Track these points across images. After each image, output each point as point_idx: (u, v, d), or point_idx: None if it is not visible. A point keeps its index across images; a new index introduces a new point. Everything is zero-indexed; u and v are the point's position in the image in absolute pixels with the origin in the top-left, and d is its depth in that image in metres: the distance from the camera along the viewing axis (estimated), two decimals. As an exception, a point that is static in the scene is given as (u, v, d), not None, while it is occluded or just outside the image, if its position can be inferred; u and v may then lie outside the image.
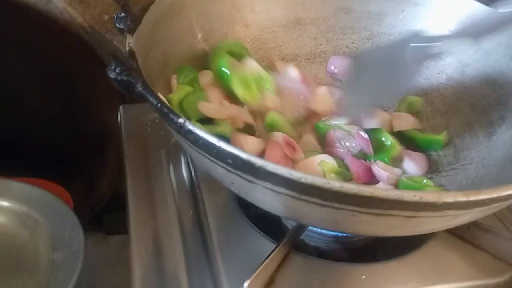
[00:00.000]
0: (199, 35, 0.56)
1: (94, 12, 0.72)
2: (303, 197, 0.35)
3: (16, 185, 0.62)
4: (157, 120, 0.66)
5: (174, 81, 0.52)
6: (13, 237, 0.59)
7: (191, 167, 0.60)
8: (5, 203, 0.61)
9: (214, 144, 0.35)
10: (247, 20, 0.61)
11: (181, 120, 0.36)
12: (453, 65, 0.61)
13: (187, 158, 0.62)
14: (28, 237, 0.59)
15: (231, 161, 0.35)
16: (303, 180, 0.33)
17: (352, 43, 0.66)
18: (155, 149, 0.62)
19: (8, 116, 0.78)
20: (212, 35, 0.58)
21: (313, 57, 0.66)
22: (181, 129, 0.36)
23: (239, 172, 0.36)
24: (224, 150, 0.35)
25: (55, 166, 0.77)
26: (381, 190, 0.33)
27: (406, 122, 0.61)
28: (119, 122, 0.67)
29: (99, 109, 0.81)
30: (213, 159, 0.37)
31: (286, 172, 0.33)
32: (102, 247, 0.81)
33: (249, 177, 0.36)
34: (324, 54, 0.66)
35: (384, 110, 0.63)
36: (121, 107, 0.68)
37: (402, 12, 0.64)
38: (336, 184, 0.33)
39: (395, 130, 0.60)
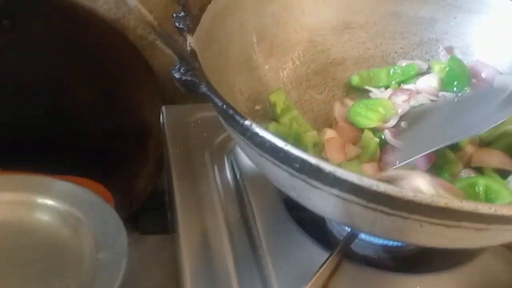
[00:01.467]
0: (253, 36, 0.56)
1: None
2: (371, 205, 0.35)
3: (58, 184, 0.62)
4: (200, 122, 0.66)
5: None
6: (56, 235, 0.59)
7: (236, 169, 0.60)
8: (48, 202, 0.61)
9: (281, 148, 0.34)
10: (297, 22, 0.61)
11: (247, 122, 0.36)
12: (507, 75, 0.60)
13: (231, 160, 0.61)
14: (71, 236, 0.59)
15: (298, 165, 0.34)
16: (374, 187, 0.32)
17: (401, 48, 0.65)
18: (199, 151, 0.62)
19: (51, 112, 0.79)
20: (265, 36, 0.58)
21: (361, 61, 0.65)
22: (246, 131, 0.36)
23: (304, 177, 0.35)
24: (292, 154, 0.34)
25: (94, 162, 0.78)
26: (456, 201, 0.32)
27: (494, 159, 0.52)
28: (162, 123, 0.67)
29: (140, 107, 0.82)
30: (278, 162, 0.36)
31: (357, 179, 0.33)
32: (137, 247, 0.81)
33: (315, 182, 0.35)
34: (372, 59, 0.65)
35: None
36: (163, 107, 0.68)
37: (455, 18, 0.63)
38: (409, 194, 0.32)
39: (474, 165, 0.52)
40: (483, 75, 0.61)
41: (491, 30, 0.61)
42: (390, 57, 0.65)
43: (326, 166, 0.33)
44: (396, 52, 0.65)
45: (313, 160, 0.33)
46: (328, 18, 0.63)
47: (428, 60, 0.65)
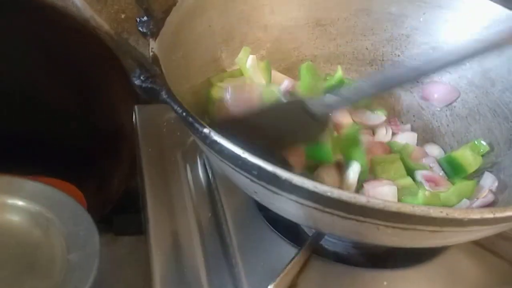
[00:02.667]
0: (222, 37, 0.56)
1: (111, 10, 0.71)
2: (327, 209, 0.35)
3: (29, 184, 0.61)
4: (172, 121, 0.66)
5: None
6: (27, 236, 0.59)
7: (208, 169, 0.60)
8: (19, 202, 0.60)
9: (239, 156, 0.35)
10: (266, 21, 0.61)
11: (206, 130, 0.36)
12: (474, 69, 0.60)
13: (204, 159, 0.61)
14: (42, 236, 0.58)
15: (256, 173, 0.35)
16: (328, 194, 0.33)
17: (371, 44, 0.65)
18: (171, 150, 0.62)
19: (21, 112, 0.78)
20: (233, 37, 0.57)
21: (332, 58, 0.65)
22: (206, 139, 0.36)
23: (263, 183, 0.36)
24: (249, 161, 0.35)
25: (67, 164, 0.77)
26: (408, 206, 0.33)
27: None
28: (134, 123, 0.67)
29: (113, 107, 0.81)
30: (237, 169, 0.36)
31: (312, 186, 0.33)
32: (111, 248, 0.81)
33: (274, 189, 0.36)
34: (344, 55, 0.65)
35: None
36: (136, 107, 0.68)
37: (424, 14, 0.63)
38: (362, 199, 0.33)
39: None
40: (436, 95, 0.62)
41: (459, 26, 0.61)
42: (360, 54, 0.65)
43: (282, 174, 0.34)
44: (367, 49, 0.65)
45: (269, 167, 0.34)
46: (298, 16, 0.63)
47: (398, 55, 0.65)
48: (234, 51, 0.58)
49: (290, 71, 0.62)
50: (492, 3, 0.59)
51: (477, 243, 0.52)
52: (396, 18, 0.64)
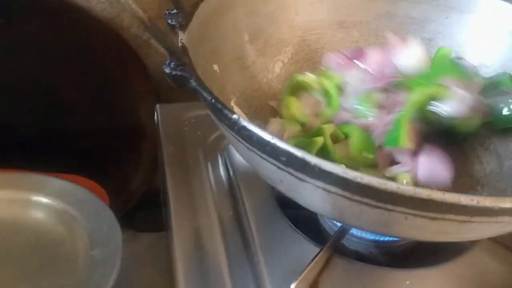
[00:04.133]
0: (246, 36, 0.57)
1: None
2: (356, 197, 0.35)
3: (53, 182, 0.62)
4: (193, 120, 0.67)
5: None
6: (51, 233, 0.59)
7: (229, 167, 0.60)
8: (43, 199, 0.61)
9: (268, 141, 0.35)
10: (291, 22, 0.61)
11: (235, 116, 0.36)
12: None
13: (225, 158, 0.62)
14: (65, 233, 0.59)
15: (284, 158, 0.35)
16: (358, 180, 0.33)
17: (394, 47, 0.65)
18: (193, 148, 0.63)
19: (45, 110, 0.79)
20: (258, 35, 0.58)
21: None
22: (234, 125, 0.36)
23: (291, 170, 0.36)
24: (279, 147, 0.35)
25: (89, 161, 0.78)
26: (439, 193, 0.32)
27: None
28: (156, 121, 0.68)
29: (134, 105, 0.82)
30: (265, 156, 0.37)
31: (341, 172, 0.33)
32: (132, 244, 0.81)
33: (301, 175, 0.36)
34: (366, 58, 0.65)
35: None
36: (157, 106, 0.69)
37: (446, 18, 0.63)
38: (393, 185, 0.32)
39: None
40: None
41: (481, 30, 0.61)
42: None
43: (312, 159, 0.34)
44: (389, 51, 0.65)
45: (298, 153, 0.34)
46: (322, 18, 0.63)
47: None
48: (258, 50, 0.58)
49: (313, 72, 0.63)
50: (516, 7, 0.59)
51: (500, 243, 0.51)
52: (418, 22, 0.64)
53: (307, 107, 0.56)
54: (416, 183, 0.50)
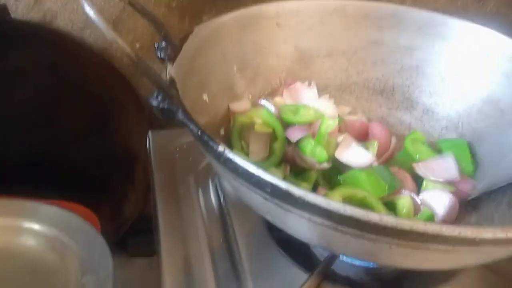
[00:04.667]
0: (235, 66, 0.57)
1: (126, 40, 0.74)
2: (340, 227, 0.36)
3: (44, 208, 0.62)
4: (185, 147, 0.68)
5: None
6: (42, 260, 0.59)
7: (220, 193, 0.61)
8: (34, 226, 0.61)
9: (253, 173, 0.36)
10: (279, 51, 0.62)
11: (220, 148, 0.37)
12: (483, 100, 0.61)
13: (216, 184, 0.62)
14: (57, 260, 0.59)
15: (269, 190, 0.36)
16: (342, 211, 0.33)
17: (382, 75, 0.66)
18: (183, 175, 0.63)
19: (37, 137, 0.80)
20: (246, 66, 0.59)
21: (343, 88, 0.66)
22: (220, 156, 0.37)
23: (276, 201, 0.37)
24: (263, 179, 0.35)
25: (82, 188, 0.78)
26: (421, 223, 0.33)
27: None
28: (148, 148, 0.68)
29: (127, 133, 0.83)
30: (251, 187, 0.37)
31: (325, 203, 0.34)
32: (126, 269, 0.81)
33: (287, 206, 0.36)
34: (355, 85, 0.66)
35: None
36: (150, 132, 0.69)
37: (433, 46, 0.64)
38: (375, 217, 0.33)
39: None
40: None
41: (466, 57, 0.62)
42: (371, 83, 0.67)
43: (296, 191, 0.34)
44: (378, 79, 0.66)
45: (283, 184, 0.35)
46: (310, 46, 0.64)
47: (409, 86, 0.66)
48: (248, 80, 0.59)
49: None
50: (500, 35, 0.61)
51: (489, 268, 0.52)
52: (405, 50, 0.65)
53: (258, 144, 0.56)
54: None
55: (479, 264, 0.44)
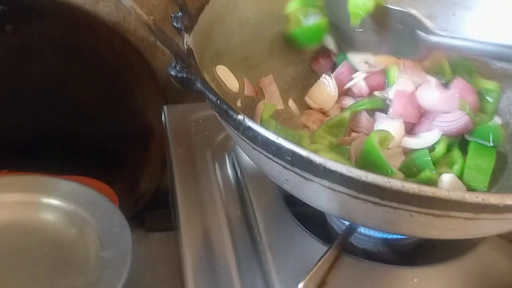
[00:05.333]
0: (251, 35, 0.57)
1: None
2: (361, 195, 0.35)
3: (63, 184, 0.63)
4: (201, 121, 0.67)
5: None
6: (62, 235, 0.60)
7: (237, 167, 0.61)
8: (53, 201, 0.62)
9: (273, 141, 0.35)
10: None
11: (240, 117, 0.37)
12: (504, 70, 0.60)
13: (232, 158, 0.62)
14: (76, 235, 0.60)
15: (289, 158, 0.35)
16: (363, 178, 0.33)
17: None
18: (200, 149, 0.63)
19: (53, 113, 0.80)
20: (262, 36, 0.58)
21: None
22: (240, 125, 0.37)
23: (296, 169, 0.36)
24: (283, 146, 0.35)
25: (99, 163, 0.79)
26: (443, 190, 0.33)
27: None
28: (164, 122, 0.68)
29: (142, 107, 0.83)
30: (270, 156, 0.37)
31: (346, 170, 0.33)
32: (143, 245, 0.82)
33: (307, 174, 0.36)
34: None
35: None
36: (165, 107, 0.69)
37: (453, 15, 0.63)
38: (397, 183, 0.33)
39: None
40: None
41: (487, 27, 0.61)
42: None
43: (317, 158, 0.34)
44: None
45: (303, 152, 0.34)
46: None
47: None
48: (264, 50, 0.59)
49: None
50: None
51: (508, 239, 0.51)
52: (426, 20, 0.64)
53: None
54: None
55: (501, 232, 0.44)
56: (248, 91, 0.55)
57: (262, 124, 0.53)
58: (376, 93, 0.58)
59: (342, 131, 0.56)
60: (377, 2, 0.55)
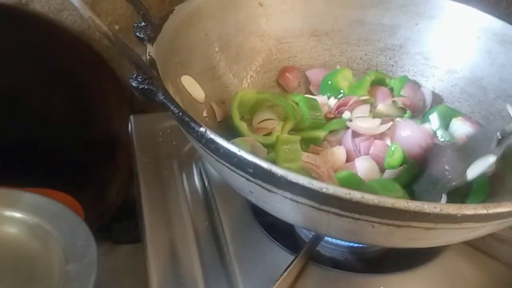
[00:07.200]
0: (216, 46, 0.57)
1: (105, 21, 0.73)
2: (323, 207, 0.35)
3: (27, 196, 0.61)
4: (168, 131, 0.67)
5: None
6: (25, 248, 0.59)
7: (204, 177, 0.60)
8: (16, 214, 0.60)
9: (235, 153, 0.35)
10: (261, 31, 0.62)
11: (202, 129, 0.36)
12: (467, 78, 0.61)
13: (200, 168, 0.62)
14: (40, 248, 0.58)
15: (251, 170, 0.35)
16: (324, 190, 0.33)
17: (365, 54, 0.66)
18: (167, 159, 0.63)
19: (17, 123, 0.78)
20: (229, 46, 0.58)
21: (328, 68, 0.66)
22: (202, 138, 0.36)
23: (259, 181, 0.36)
24: (245, 159, 0.35)
25: (64, 175, 0.77)
26: (402, 201, 0.33)
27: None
28: (130, 132, 0.67)
29: (108, 117, 0.82)
30: (233, 168, 0.37)
31: (307, 182, 0.33)
32: (110, 256, 0.81)
33: (269, 186, 0.36)
34: (339, 65, 0.66)
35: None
36: (131, 117, 0.68)
37: (416, 25, 0.64)
38: (357, 195, 0.33)
39: None
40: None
41: (450, 36, 0.63)
42: (355, 63, 0.66)
43: (278, 170, 0.34)
44: (361, 59, 0.66)
45: (265, 164, 0.34)
46: (293, 26, 0.64)
47: (392, 65, 0.66)
48: (230, 60, 0.59)
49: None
50: (482, 13, 0.61)
51: (473, 246, 0.52)
52: (389, 29, 0.65)
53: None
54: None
55: (461, 241, 0.45)
56: (219, 115, 0.56)
57: (234, 121, 0.54)
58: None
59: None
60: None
